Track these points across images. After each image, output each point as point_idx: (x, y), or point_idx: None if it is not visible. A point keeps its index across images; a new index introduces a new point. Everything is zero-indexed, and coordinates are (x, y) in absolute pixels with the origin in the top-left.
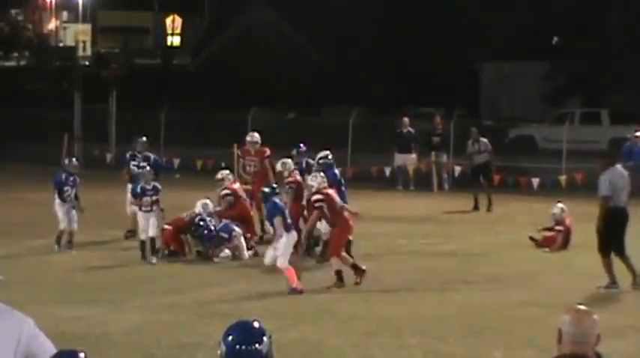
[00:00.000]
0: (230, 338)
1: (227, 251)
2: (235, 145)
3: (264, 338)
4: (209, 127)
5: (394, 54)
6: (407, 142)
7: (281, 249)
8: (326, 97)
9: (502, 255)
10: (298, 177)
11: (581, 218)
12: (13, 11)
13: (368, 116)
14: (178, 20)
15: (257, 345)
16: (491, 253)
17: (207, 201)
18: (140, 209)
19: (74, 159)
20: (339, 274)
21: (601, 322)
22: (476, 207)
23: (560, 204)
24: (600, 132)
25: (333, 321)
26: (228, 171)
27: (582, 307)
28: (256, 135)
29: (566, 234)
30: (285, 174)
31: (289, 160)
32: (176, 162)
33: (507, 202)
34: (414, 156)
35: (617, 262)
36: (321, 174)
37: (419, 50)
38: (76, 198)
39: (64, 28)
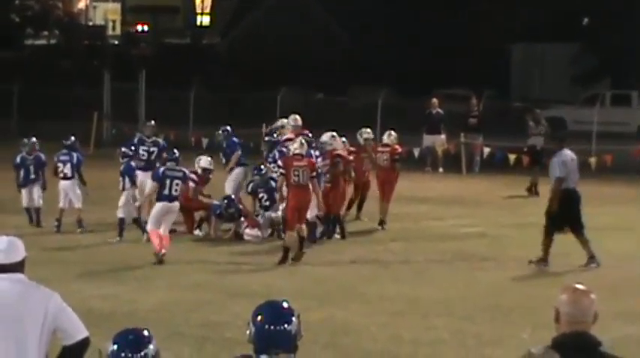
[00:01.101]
0: (259, 318)
1: (256, 229)
2: (264, 125)
3: (293, 319)
4: (238, 107)
5: (423, 34)
6: (436, 123)
7: None
8: (354, 77)
9: (530, 236)
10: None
11: (611, 200)
12: None
13: (396, 96)
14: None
15: (286, 325)
16: (520, 234)
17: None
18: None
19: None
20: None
21: (622, 307)
22: (536, 192)
23: None
24: (630, 113)
25: (361, 301)
26: None
27: (580, 286)
28: (298, 117)
29: None
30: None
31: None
32: (204, 141)
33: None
34: (443, 137)
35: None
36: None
37: (448, 30)
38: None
39: (94, 7)
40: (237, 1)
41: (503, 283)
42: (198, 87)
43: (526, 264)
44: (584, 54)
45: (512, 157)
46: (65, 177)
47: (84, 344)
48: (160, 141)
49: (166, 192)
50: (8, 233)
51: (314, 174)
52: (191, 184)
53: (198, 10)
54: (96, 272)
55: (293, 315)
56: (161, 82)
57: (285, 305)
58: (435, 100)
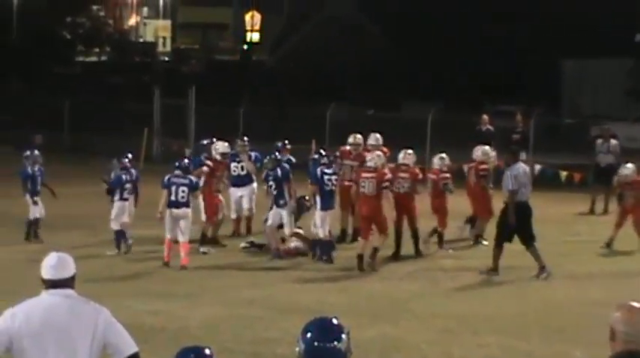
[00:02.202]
0: (308, 335)
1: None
2: (313, 141)
3: (343, 336)
4: (287, 123)
5: (474, 49)
6: (486, 140)
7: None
8: (405, 93)
9: (583, 253)
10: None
11: None
12: (94, 7)
13: (447, 112)
14: (257, 16)
15: (335, 343)
16: (572, 252)
17: None
18: None
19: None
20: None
21: None
22: (592, 211)
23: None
24: None
25: (411, 318)
26: None
27: (635, 304)
28: (359, 136)
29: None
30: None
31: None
32: (252, 155)
33: (588, 201)
34: (493, 153)
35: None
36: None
37: (500, 46)
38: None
39: (145, 24)
40: (286, 18)
41: (554, 300)
42: (248, 103)
43: (579, 281)
44: (638, 69)
45: (563, 174)
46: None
47: None
48: (253, 155)
49: (173, 198)
50: (59, 249)
51: (384, 185)
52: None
53: (248, 27)
54: (147, 288)
55: (343, 332)
56: (210, 99)
57: (334, 321)
58: (485, 117)
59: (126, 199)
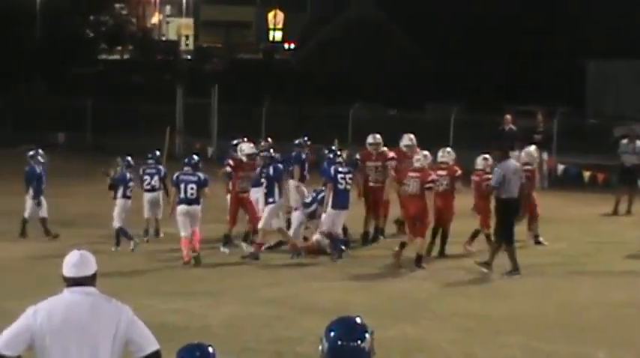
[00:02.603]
0: (332, 334)
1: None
2: (336, 140)
3: (367, 335)
4: (310, 122)
5: (498, 50)
6: (509, 140)
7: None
8: (428, 93)
9: (605, 254)
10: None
11: None
12: (117, 5)
13: (469, 113)
14: (280, 15)
15: (359, 342)
16: (594, 252)
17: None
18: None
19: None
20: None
21: None
22: (615, 211)
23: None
24: None
25: (433, 318)
26: None
27: None
28: (378, 136)
29: None
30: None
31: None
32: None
33: (611, 202)
34: (516, 153)
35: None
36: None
37: (523, 46)
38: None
39: (167, 23)
40: (309, 17)
41: (576, 301)
42: (270, 102)
43: (601, 281)
44: None
45: (586, 174)
46: (152, 189)
47: (155, 356)
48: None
49: (182, 195)
50: (80, 247)
51: (428, 185)
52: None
53: (271, 26)
54: (169, 286)
55: (366, 331)
56: (233, 97)
57: (359, 321)
58: (508, 117)
59: (129, 197)
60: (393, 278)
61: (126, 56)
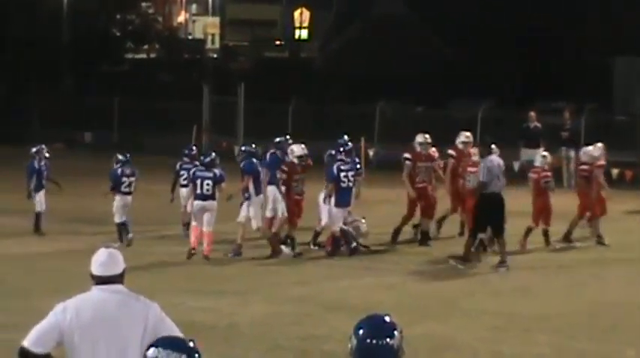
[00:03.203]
0: (361, 331)
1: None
2: (362, 139)
3: (396, 333)
4: (336, 120)
5: (525, 46)
6: (534, 137)
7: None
8: (454, 90)
9: (635, 252)
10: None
11: None
12: (143, 4)
13: (497, 109)
14: (306, 13)
15: (388, 339)
16: (623, 250)
17: None
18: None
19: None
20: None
21: None
22: None
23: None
24: None
25: (461, 316)
26: None
27: None
28: (427, 135)
29: None
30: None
31: None
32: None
33: (638, 199)
34: (541, 150)
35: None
36: None
37: (551, 43)
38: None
39: (193, 21)
40: (336, 15)
41: (605, 299)
42: (297, 100)
43: (630, 279)
44: None
45: (614, 171)
46: (188, 185)
47: None
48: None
49: (198, 191)
50: (109, 245)
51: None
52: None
53: (297, 24)
54: (197, 285)
55: (395, 329)
56: (259, 95)
57: (387, 318)
58: (532, 114)
59: (126, 193)
60: (421, 276)
61: (152, 55)
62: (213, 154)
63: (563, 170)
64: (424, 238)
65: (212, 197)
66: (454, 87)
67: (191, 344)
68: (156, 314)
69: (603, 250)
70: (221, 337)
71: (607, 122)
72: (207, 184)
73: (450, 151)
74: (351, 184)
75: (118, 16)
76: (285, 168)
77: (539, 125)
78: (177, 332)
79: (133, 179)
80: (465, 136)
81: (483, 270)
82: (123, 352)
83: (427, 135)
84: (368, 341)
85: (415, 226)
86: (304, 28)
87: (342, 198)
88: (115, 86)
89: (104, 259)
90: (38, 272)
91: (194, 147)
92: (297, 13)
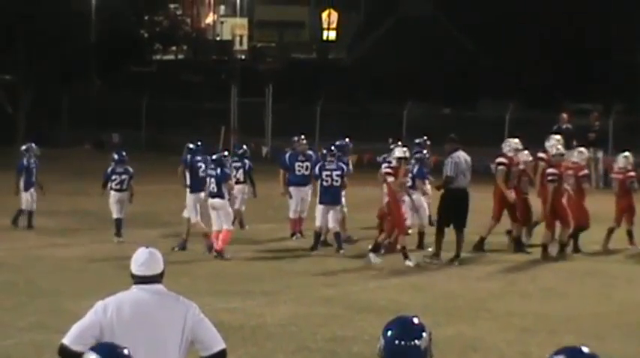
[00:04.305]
0: (389, 333)
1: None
2: (390, 139)
3: (424, 334)
4: (364, 121)
5: (553, 47)
6: (565, 138)
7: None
8: (482, 91)
9: None
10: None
11: None
12: (171, 6)
13: (523, 111)
14: (334, 14)
15: (416, 341)
16: None
17: None
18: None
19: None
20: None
21: None
22: None
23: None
24: None
25: (489, 318)
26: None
27: None
28: (517, 140)
29: None
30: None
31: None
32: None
33: None
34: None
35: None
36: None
37: (579, 43)
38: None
39: (222, 23)
40: (364, 16)
41: (635, 300)
42: (325, 101)
43: None
44: None
45: None
46: (238, 182)
47: (221, 355)
48: (312, 155)
49: (210, 189)
50: (147, 245)
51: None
52: (390, 179)
53: (325, 25)
54: (225, 286)
55: (424, 331)
56: (287, 97)
57: (415, 320)
58: (564, 115)
59: (117, 190)
60: (449, 277)
61: (180, 56)
62: (226, 153)
63: (591, 171)
64: (518, 245)
65: (219, 195)
66: (481, 88)
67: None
68: (195, 315)
69: (632, 252)
70: (248, 338)
71: (635, 123)
72: (213, 182)
73: (541, 155)
74: (334, 183)
75: (146, 18)
76: (391, 171)
77: (570, 126)
78: (215, 333)
79: (125, 177)
80: (555, 140)
81: (511, 272)
82: (162, 351)
83: (517, 140)
84: (396, 342)
85: (509, 232)
86: (332, 29)
87: (325, 196)
88: (143, 87)
89: (145, 259)
90: (66, 273)
91: (244, 146)
92: (324, 14)
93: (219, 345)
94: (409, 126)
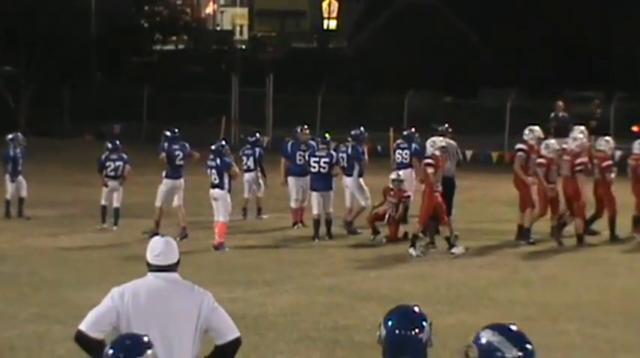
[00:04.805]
0: (390, 322)
1: None
2: (391, 129)
3: (424, 324)
4: (365, 110)
5: (554, 35)
6: (562, 126)
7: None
8: (482, 80)
9: None
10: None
11: None
12: None
13: (527, 98)
14: (334, 3)
15: (417, 331)
16: None
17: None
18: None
19: None
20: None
21: None
22: None
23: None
24: None
25: (491, 306)
26: None
27: None
28: (537, 128)
29: None
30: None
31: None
32: (332, 145)
33: None
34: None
35: None
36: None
37: (580, 32)
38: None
39: (222, 12)
40: (364, 5)
41: (636, 289)
42: (326, 90)
43: None
44: None
45: None
46: (249, 170)
47: (236, 343)
48: (314, 145)
49: (211, 180)
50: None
51: (578, 168)
52: (430, 171)
53: (325, 14)
54: (227, 275)
55: (425, 321)
56: (288, 86)
57: (416, 310)
58: (560, 103)
59: (111, 177)
60: (451, 266)
61: (180, 46)
62: (224, 143)
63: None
64: (522, 234)
65: (219, 186)
66: (482, 76)
67: (145, 338)
68: (209, 304)
69: (634, 240)
70: (250, 327)
71: (637, 110)
72: (213, 173)
73: (521, 145)
74: (322, 170)
75: (147, 8)
76: (433, 162)
77: (566, 114)
78: (229, 321)
79: (119, 164)
80: (579, 131)
81: (514, 260)
82: (176, 339)
83: (537, 127)
84: (397, 332)
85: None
86: (333, 18)
87: (315, 182)
88: (144, 77)
89: (161, 249)
90: (69, 264)
91: (257, 134)
92: (325, 4)
93: (234, 334)
94: (410, 114)
